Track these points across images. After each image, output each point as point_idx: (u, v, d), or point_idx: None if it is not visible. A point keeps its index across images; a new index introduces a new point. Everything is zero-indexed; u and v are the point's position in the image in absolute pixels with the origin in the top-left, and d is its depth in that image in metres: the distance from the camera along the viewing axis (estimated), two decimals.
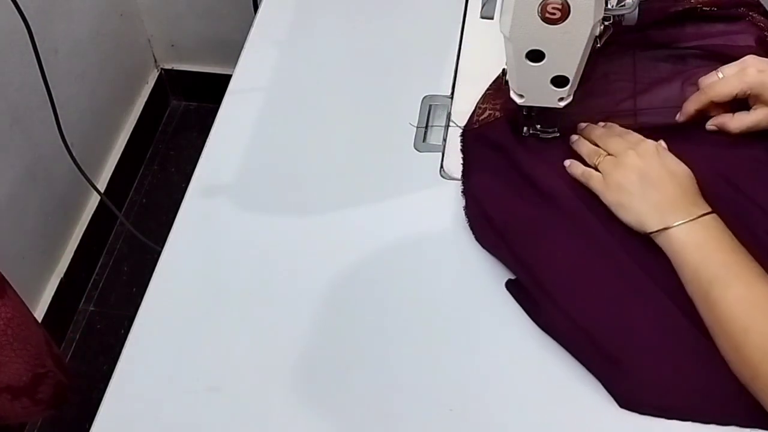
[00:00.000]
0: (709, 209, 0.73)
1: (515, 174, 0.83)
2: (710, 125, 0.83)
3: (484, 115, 0.89)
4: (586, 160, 0.82)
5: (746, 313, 0.66)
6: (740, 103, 0.82)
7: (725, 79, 0.81)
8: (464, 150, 0.87)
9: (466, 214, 0.82)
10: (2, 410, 0.86)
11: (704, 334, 0.71)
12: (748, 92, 0.80)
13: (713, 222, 0.72)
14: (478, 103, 0.90)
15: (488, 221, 0.80)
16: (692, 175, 0.77)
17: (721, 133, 0.83)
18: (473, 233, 0.81)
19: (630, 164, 0.77)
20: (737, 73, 0.80)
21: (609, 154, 0.80)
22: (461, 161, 0.86)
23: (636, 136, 0.81)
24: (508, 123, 0.87)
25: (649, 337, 0.72)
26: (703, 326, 0.71)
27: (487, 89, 0.91)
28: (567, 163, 0.82)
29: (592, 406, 0.70)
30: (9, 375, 0.84)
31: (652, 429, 0.69)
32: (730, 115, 0.82)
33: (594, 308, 0.74)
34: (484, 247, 0.80)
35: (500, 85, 0.89)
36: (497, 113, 0.88)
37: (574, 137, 0.85)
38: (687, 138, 0.84)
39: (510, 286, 0.77)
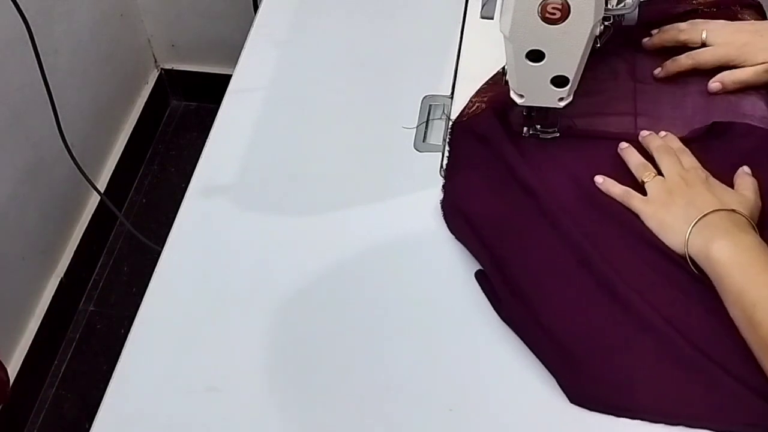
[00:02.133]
0: (756, 234, 0.73)
1: (498, 167, 0.84)
2: (713, 85, 0.87)
3: (473, 108, 0.89)
4: (634, 173, 0.82)
5: None
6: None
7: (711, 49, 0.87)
8: (451, 142, 0.88)
9: (441, 204, 0.83)
10: None
11: (663, 336, 0.71)
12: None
13: (758, 245, 0.71)
14: (471, 97, 0.91)
15: (463, 213, 0.81)
16: (748, 202, 0.76)
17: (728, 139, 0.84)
18: (446, 222, 0.81)
19: (677, 189, 0.78)
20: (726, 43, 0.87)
21: (658, 172, 0.80)
22: (447, 153, 0.87)
23: (691, 161, 0.81)
24: (495, 115, 0.87)
25: (607, 336, 0.72)
26: (663, 329, 0.71)
27: (483, 84, 0.91)
28: (599, 179, 0.82)
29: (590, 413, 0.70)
30: None
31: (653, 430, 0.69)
32: (727, 71, 0.87)
33: (556, 305, 0.74)
34: (456, 237, 0.80)
35: (497, 81, 0.90)
36: (483, 105, 0.89)
37: (624, 145, 0.84)
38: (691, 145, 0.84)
39: (479, 276, 0.78)
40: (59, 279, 1.62)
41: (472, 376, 0.73)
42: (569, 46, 0.74)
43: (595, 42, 0.75)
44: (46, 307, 1.58)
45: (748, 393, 0.68)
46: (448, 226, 0.81)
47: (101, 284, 1.73)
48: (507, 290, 0.75)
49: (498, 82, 0.88)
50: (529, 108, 0.83)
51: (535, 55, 0.75)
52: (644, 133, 0.85)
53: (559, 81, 0.77)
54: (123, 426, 0.73)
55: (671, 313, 0.72)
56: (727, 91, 0.87)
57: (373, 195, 0.85)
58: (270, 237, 0.84)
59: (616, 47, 0.91)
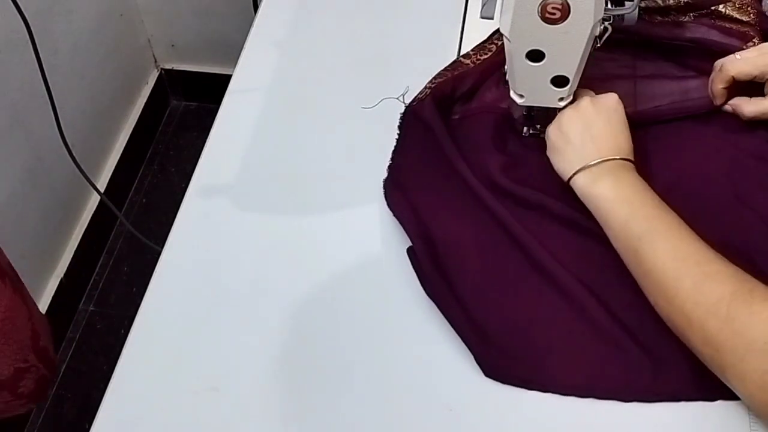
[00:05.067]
0: (638, 177, 0.74)
1: (435, 150, 0.85)
2: (727, 106, 0.84)
3: (422, 95, 0.91)
4: None
5: (677, 264, 0.67)
6: (756, 92, 0.82)
7: (746, 59, 0.81)
8: (401, 126, 0.89)
9: (384, 183, 0.84)
10: None
11: (583, 309, 0.73)
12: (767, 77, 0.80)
13: (639, 181, 0.74)
14: (426, 84, 0.92)
15: (401, 190, 0.83)
16: (631, 147, 0.78)
17: (730, 118, 0.83)
18: (385, 198, 0.83)
19: (580, 114, 0.79)
20: (758, 55, 0.81)
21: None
22: (397, 136, 0.88)
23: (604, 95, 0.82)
24: (434, 102, 0.88)
25: (526, 311, 0.74)
26: (585, 301, 0.73)
27: (441, 70, 0.92)
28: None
29: (589, 405, 0.70)
30: None
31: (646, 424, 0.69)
32: (747, 98, 0.82)
33: (478, 280, 0.76)
34: (392, 212, 0.82)
35: (456, 67, 0.91)
36: (428, 91, 0.90)
37: None
38: (686, 133, 0.85)
39: (410, 252, 0.79)
40: (59, 279, 1.62)
41: (472, 376, 0.73)
42: (569, 46, 0.74)
43: (595, 42, 0.75)
44: (46, 307, 1.58)
45: (650, 361, 0.70)
46: (387, 202, 0.83)
47: (101, 284, 1.73)
48: (431, 265, 0.77)
49: (451, 70, 0.91)
50: (529, 108, 0.83)
51: (535, 55, 0.75)
52: None
53: (559, 81, 0.78)
54: (123, 426, 0.73)
55: (592, 285, 0.74)
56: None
57: (373, 195, 0.85)
58: (270, 237, 0.84)
59: (616, 45, 0.91)
